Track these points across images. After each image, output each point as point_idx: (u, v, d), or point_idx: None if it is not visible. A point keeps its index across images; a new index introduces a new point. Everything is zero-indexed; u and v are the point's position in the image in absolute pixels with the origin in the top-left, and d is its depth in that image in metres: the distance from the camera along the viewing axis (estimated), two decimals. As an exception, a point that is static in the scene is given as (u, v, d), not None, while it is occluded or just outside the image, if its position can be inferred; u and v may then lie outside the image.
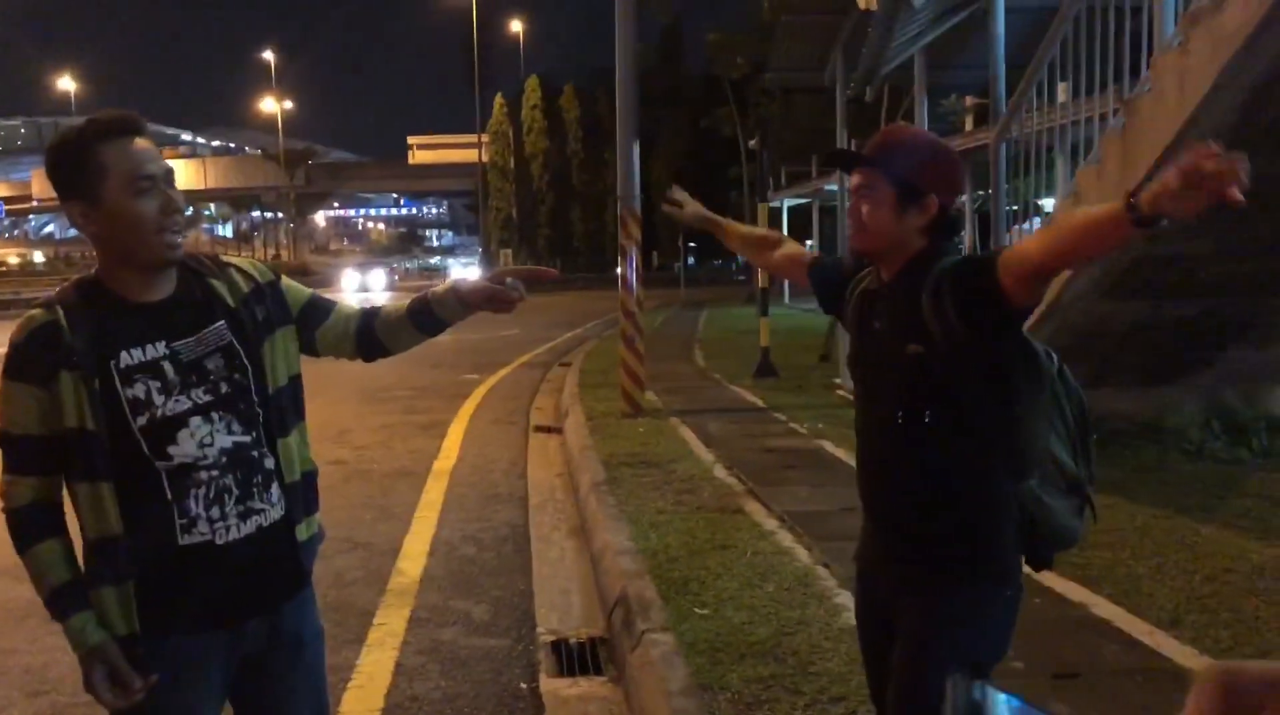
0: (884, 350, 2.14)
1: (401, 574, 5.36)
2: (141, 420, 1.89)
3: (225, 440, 1.96)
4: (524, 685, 3.97)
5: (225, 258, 2.14)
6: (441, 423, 10.26)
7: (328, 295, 2.26)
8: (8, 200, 69.10)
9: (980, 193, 23.79)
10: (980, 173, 20.91)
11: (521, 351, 17.85)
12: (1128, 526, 5.33)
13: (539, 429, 9.83)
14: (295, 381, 2.11)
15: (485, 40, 61.27)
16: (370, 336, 2.20)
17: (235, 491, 1.96)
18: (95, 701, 1.89)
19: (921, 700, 2.01)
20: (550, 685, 3.94)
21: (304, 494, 2.09)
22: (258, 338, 2.03)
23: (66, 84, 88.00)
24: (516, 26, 69.44)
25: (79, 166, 1.88)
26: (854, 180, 2.17)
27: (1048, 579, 4.61)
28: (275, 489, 2.02)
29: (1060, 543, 2.20)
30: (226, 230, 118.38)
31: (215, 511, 1.94)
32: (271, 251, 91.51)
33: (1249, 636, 3.88)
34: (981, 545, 2.07)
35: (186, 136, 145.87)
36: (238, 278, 2.07)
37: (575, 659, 4.19)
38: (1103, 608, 4.23)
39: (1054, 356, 2.18)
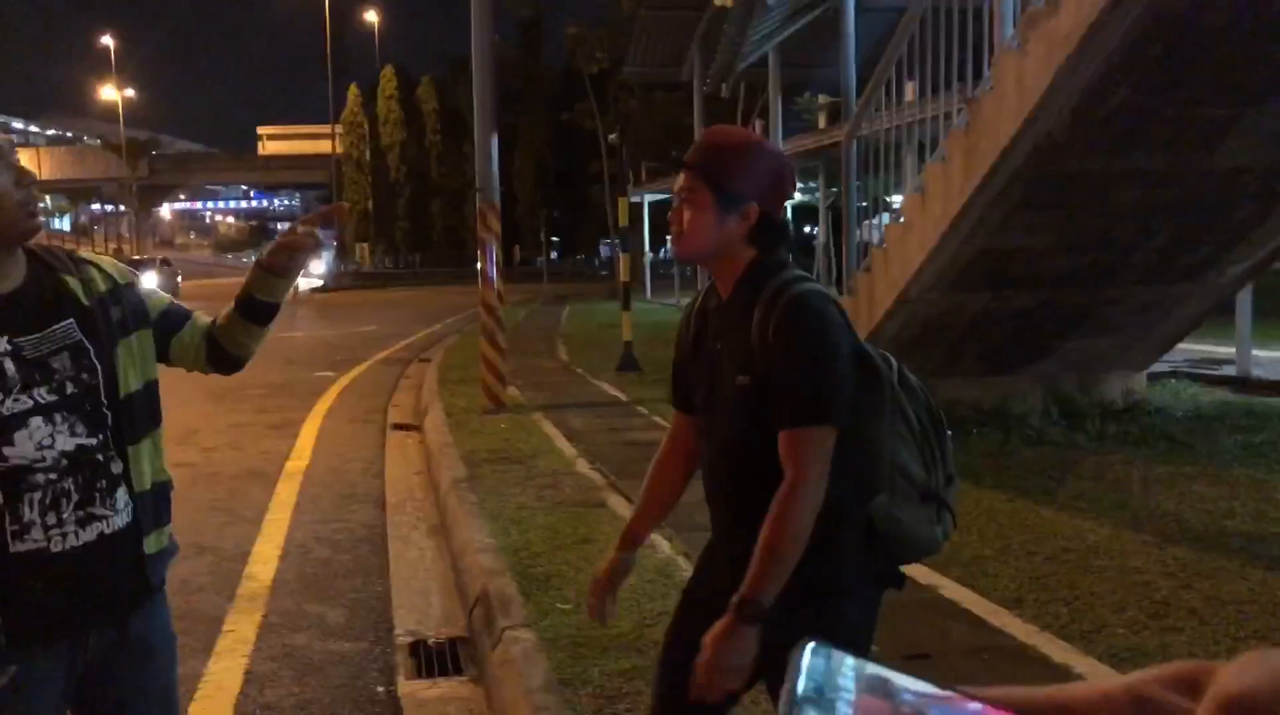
0: (720, 372, 2.04)
1: (252, 579, 5.17)
2: None
3: (67, 442, 1.87)
4: (381, 688, 3.87)
5: (84, 255, 2.05)
6: (294, 422, 9.95)
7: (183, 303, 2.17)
8: None
9: (834, 189, 24.48)
10: (834, 170, 21.52)
11: (379, 347, 17.48)
12: (974, 510, 5.53)
13: (397, 427, 9.63)
14: (150, 387, 2.03)
15: (339, 28, 59.79)
16: (215, 345, 2.14)
17: (75, 496, 1.87)
18: None
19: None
20: (408, 687, 3.85)
21: (154, 504, 2.00)
22: (111, 339, 1.95)
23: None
24: (372, 15, 67.94)
25: None
26: (677, 184, 2.08)
27: (900, 563, 4.76)
28: (122, 495, 1.93)
29: (918, 552, 2.08)
30: (64, 224, 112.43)
31: (51, 517, 1.84)
32: (113, 246, 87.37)
33: (1085, 612, 4.08)
34: (821, 566, 1.94)
35: (18, 124, 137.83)
36: (95, 276, 1.99)
37: (434, 660, 4.11)
38: (951, 589, 4.38)
39: (892, 362, 2.08)
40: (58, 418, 1.86)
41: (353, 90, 63.18)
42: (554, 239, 53.91)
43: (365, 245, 61.81)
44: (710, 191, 2.00)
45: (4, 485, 1.81)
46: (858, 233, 8.01)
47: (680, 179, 2.06)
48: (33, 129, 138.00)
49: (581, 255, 62.74)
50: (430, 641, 4.29)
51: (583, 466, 7.13)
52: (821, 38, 12.60)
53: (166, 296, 2.14)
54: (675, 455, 2.27)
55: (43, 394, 1.85)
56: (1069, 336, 7.61)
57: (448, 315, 25.20)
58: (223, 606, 4.77)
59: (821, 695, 0.38)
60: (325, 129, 61.50)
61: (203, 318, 2.16)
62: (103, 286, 1.99)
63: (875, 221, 8.82)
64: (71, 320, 1.92)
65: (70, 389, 1.88)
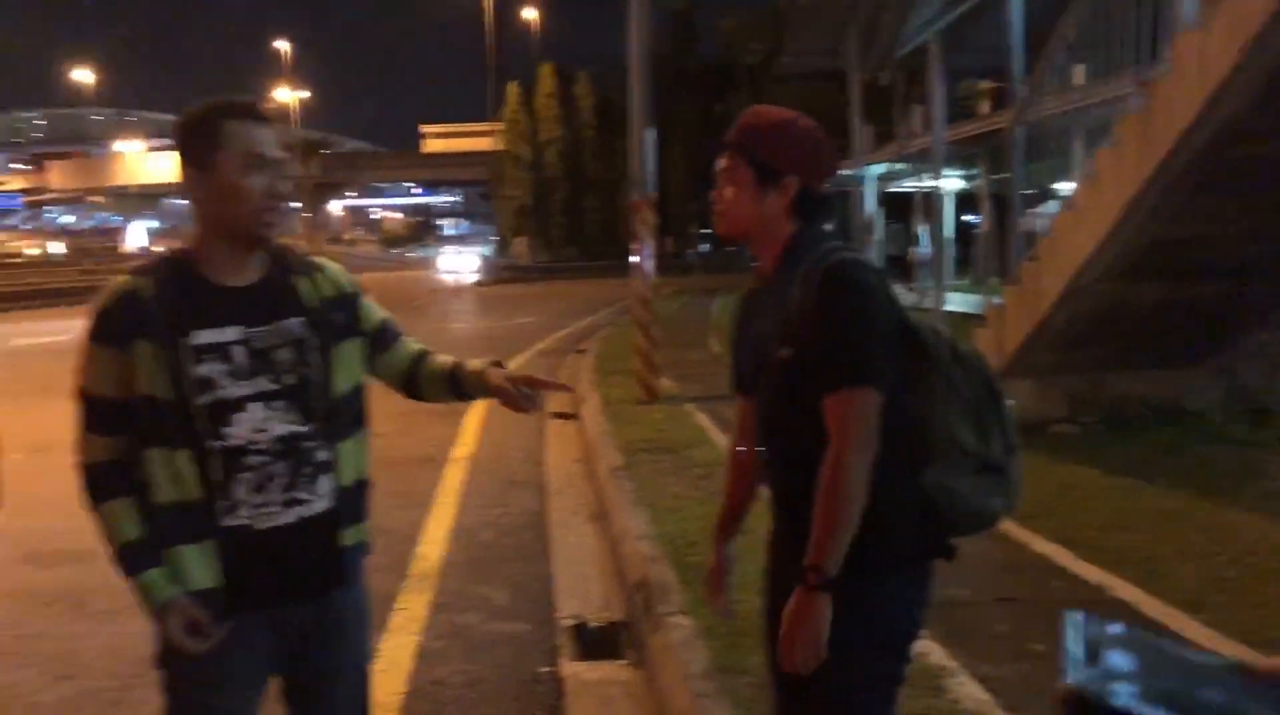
0: (765, 350, 2.06)
1: (422, 559, 5.40)
2: (204, 398, 1.94)
3: (281, 428, 2.00)
4: (545, 669, 4.00)
5: (320, 260, 2.20)
6: (459, 410, 10.26)
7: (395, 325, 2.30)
8: (26, 192, 69.43)
9: (994, 176, 23.69)
10: (996, 157, 20.83)
11: (537, 339, 17.86)
12: (1147, 508, 5.32)
13: (556, 415, 9.84)
14: (358, 391, 2.16)
15: (499, 28, 61.19)
16: (414, 382, 2.29)
17: (282, 480, 2.00)
18: (155, 664, 2.02)
19: (833, 684, 1.98)
20: (571, 669, 3.96)
21: (354, 500, 2.12)
22: (328, 341, 2.08)
23: (84, 76, 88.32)
24: (530, 14, 69.33)
25: (200, 134, 1.97)
26: (719, 165, 2.13)
27: (1064, 559, 4.62)
28: (324, 483, 2.05)
29: (978, 524, 2.07)
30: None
31: (259, 497, 1.98)
32: (287, 241, 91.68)
33: (1275, 620, 3.87)
34: (872, 537, 1.92)
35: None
36: (323, 282, 2.13)
37: (595, 643, 4.22)
38: (1123, 590, 4.23)
39: (943, 333, 2.03)
40: (275, 406, 2.00)
41: (512, 88, 64.54)
42: (705, 232, 53.84)
43: (522, 239, 63.12)
44: (750, 168, 2.05)
45: (221, 464, 1.95)
46: (1023, 221, 7.77)
47: (721, 159, 2.11)
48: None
49: (733, 248, 62.58)
50: (592, 625, 4.40)
51: (738, 457, 7.14)
52: (985, 21, 12.24)
53: (383, 313, 2.25)
54: (745, 442, 2.29)
55: (264, 383, 1.99)
56: (1253, 328, 7.21)
57: (602, 307, 25.54)
58: (395, 585, 4.99)
59: (1098, 658, 0.40)
60: (486, 127, 63.12)
61: (412, 344, 2.30)
62: (329, 291, 2.12)
63: (1042, 209, 8.54)
64: (299, 318, 2.05)
65: (289, 381, 2.01)
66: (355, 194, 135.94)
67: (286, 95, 76.23)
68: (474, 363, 2.27)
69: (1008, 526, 5.19)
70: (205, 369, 1.94)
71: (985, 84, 17.31)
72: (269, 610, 2.03)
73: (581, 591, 4.88)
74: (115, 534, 1.94)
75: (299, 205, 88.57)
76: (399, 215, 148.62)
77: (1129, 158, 5.87)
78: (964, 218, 35.65)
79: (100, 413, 1.96)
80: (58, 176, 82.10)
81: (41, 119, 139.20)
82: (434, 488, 6.98)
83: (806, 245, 2.02)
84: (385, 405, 9.13)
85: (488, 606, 4.71)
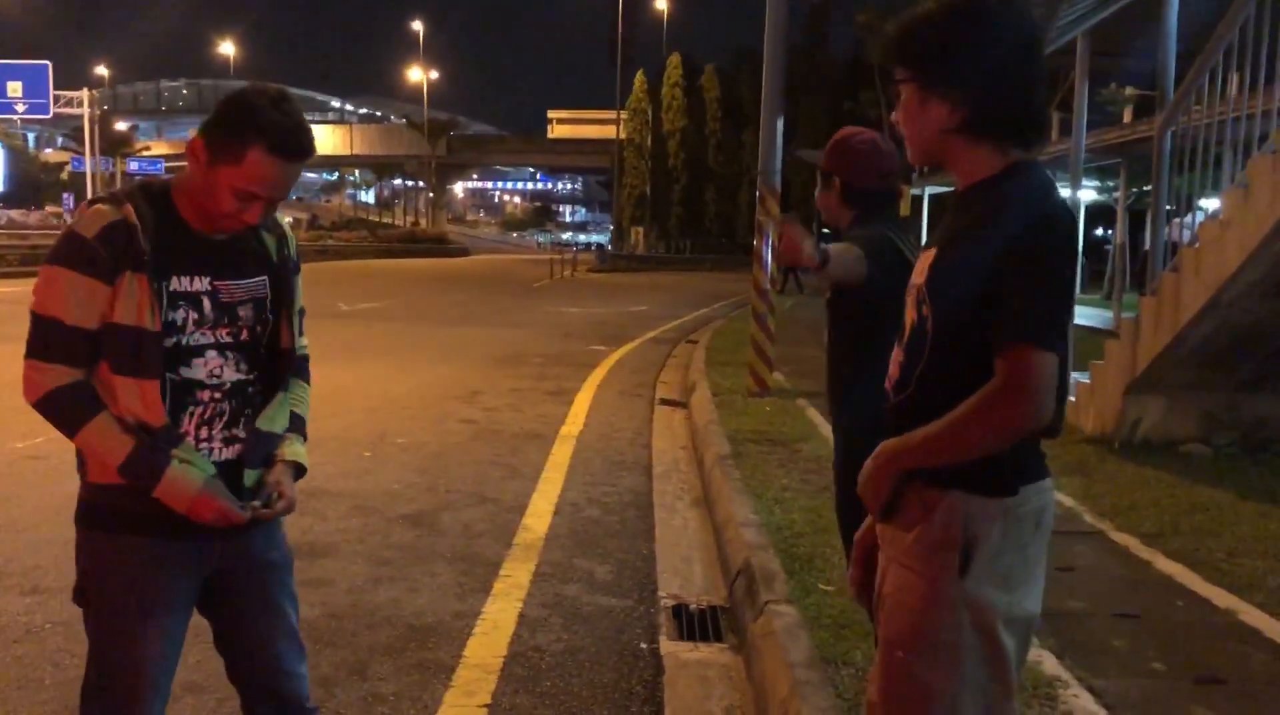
0: None
1: (528, 530, 5.45)
2: (168, 342, 2.01)
3: (232, 375, 2.11)
4: (644, 645, 3.99)
5: (285, 222, 2.28)
6: (569, 390, 10.37)
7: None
8: (168, 158, 72.49)
9: (1134, 190, 22.82)
10: (1136, 169, 20.06)
11: (649, 327, 17.91)
12: (1282, 537, 5.05)
13: (664, 402, 9.84)
14: (294, 350, 2.23)
15: (629, 17, 61.44)
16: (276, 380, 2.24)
17: (226, 417, 2.10)
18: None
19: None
20: (670, 647, 3.95)
21: (268, 446, 2.17)
22: (281, 299, 2.18)
23: (227, 48, 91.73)
24: (661, 3, 69.42)
25: (229, 137, 1.97)
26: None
27: (1190, 580, 4.42)
28: (254, 427, 2.14)
29: None
30: (369, 197, 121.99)
31: (204, 431, 2.07)
32: (410, 219, 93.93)
33: None
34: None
35: (335, 103, 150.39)
36: (287, 243, 2.23)
37: (695, 624, 4.19)
38: (1252, 616, 4.02)
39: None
40: (229, 355, 2.10)
41: (639, 77, 64.82)
42: (824, 231, 53.26)
43: (640, 229, 63.37)
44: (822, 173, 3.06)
45: (172, 396, 2.03)
46: (1165, 231, 7.45)
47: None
48: (347, 108, 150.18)
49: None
50: (692, 606, 4.38)
51: (848, 454, 7.04)
52: (1136, 23, 11.75)
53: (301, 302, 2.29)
54: None
55: (223, 335, 2.08)
56: (1406, 357, 6.78)
57: (715, 301, 25.49)
58: (500, 553, 5.05)
59: None
60: (610, 114, 63.45)
61: (302, 344, 2.29)
62: (290, 253, 2.22)
63: (1185, 221, 8.19)
64: (265, 277, 2.15)
65: (245, 336, 2.11)
66: (478, 177, 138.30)
67: (417, 75, 77.92)
68: (296, 450, 2.22)
69: (1129, 542, 5.00)
70: (176, 315, 2.01)
71: (1130, 90, 16.67)
72: (200, 541, 2.09)
73: (684, 573, 4.87)
74: (118, 443, 1.97)
75: (423, 184, 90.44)
76: (519, 200, 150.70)
77: (1287, 167, 5.56)
78: (1095, 232, 34.43)
79: (70, 342, 1.96)
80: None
81: (185, 89, 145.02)
82: (542, 463, 7.05)
83: (852, 227, 2.46)
84: (497, 382, 9.41)
85: (590, 580, 4.72)
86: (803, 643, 3.55)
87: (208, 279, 2.06)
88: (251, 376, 2.14)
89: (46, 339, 1.97)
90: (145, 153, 74.03)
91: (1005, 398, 1.72)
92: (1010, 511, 1.82)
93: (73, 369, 1.97)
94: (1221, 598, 4.22)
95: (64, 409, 1.98)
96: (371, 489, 6.16)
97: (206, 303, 2.05)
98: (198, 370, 2.05)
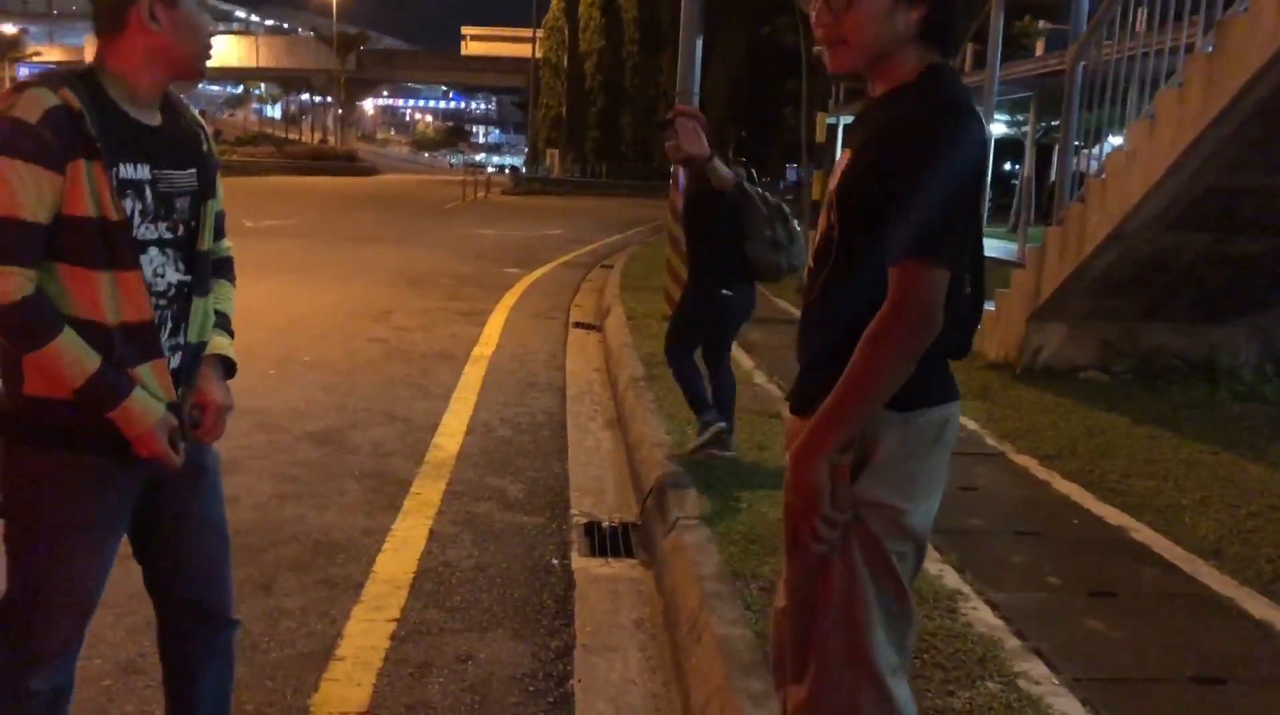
0: None
1: (439, 448, 5.40)
2: None
3: (174, 276, 2.00)
4: (555, 561, 4.00)
5: (200, 117, 2.17)
6: (482, 311, 10.26)
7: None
8: (60, 64, 69.15)
9: (1042, 124, 23.21)
10: (1046, 102, 20.36)
11: (563, 251, 17.77)
12: (1172, 459, 5.25)
13: (578, 325, 9.81)
14: (209, 253, 2.12)
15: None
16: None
17: (169, 325, 2.00)
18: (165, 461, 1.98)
19: None
20: (581, 563, 3.97)
21: (196, 356, 2.09)
22: (207, 195, 2.07)
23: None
24: (580, -80, 67.70)
25: None
26: None
27: (1085, 500, 4.58)
28: (186, 336, 2.05)
29: (770, 274, 5.00)
30: (274, 111, 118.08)
31: None
32: (319, 136, 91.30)
33: (1291, 572, 3.83)
34: None
35: (240, 13, 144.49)
36: (209, 138, 2.14)
37: (607, 541, 4.22)
38: (1142, 533, 4.18)
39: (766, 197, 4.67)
40: (169, 252, 1.99)
41: (557, -5, 63.44)
42: (742, 159, 53.19)
43: (555, 152, 62.56)
44: None
45: None
46: (1073, 163, 7.58)
47: None
48: (253, 18, 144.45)
49: (767, 177, 61.83)
50: (604, 524, 4.39)
51: (760, 378, 7.11)
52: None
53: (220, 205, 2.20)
54: None
55: (163, 229, 1.97)
56: (1295, 290, 7.05)
57: (631, 226, 25.37)
58: (411, 471, 5.00)
59: None
60: (526, 33, 62.18)
61: (226, 246, 2.25)
62: (213, 147, 2.13)
63: (1093, 151, 8.34)
64: (195, 169, 2.04)
65: (180, 231, 2.01)
66: (389, 94, 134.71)
67: (327, -14, 75.13)
68: (221, 343, 2.17)
69: (1029, 464, 5.15)
70: (124, 204, 1.89)
71: (1043, 24, 16.85)
72: (139, 459, 1.99)
73: (595, 491, 4.88)
74: (81, 364, 1.85)
75: (332, 100, 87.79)
76: (431, 119, 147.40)
77: (1192, 99, 5.68)
78: (1003, 166, 35.02)
79: (27, 240, 1.79)
80: (93, 51, 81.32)
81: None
82: (453, 383, 6.98)
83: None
84: (408, 302, 9.25)
85: (501, 498, 4.71)
86: (712, 557, 3.59)
87: (147, 167, 1.93)
88: (189, 278, 2.03)
89: (2, 239, 1.78)
90: (36, 58, 70.39)
91: (895, 319, 1.71)
92: (910, 422, 1.83)
93: (29, 272, 1.80)
94: (1114, 516, 4.39)
95: (28, 323, 1.81)
96: (278, 406, 6.02)
97: (148, 192, 1.93)
98: (144, 271, 1.92)
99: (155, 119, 1.99)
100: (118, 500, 2.03)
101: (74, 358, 1.85)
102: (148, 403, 1.92)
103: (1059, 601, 3.49)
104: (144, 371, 1.93)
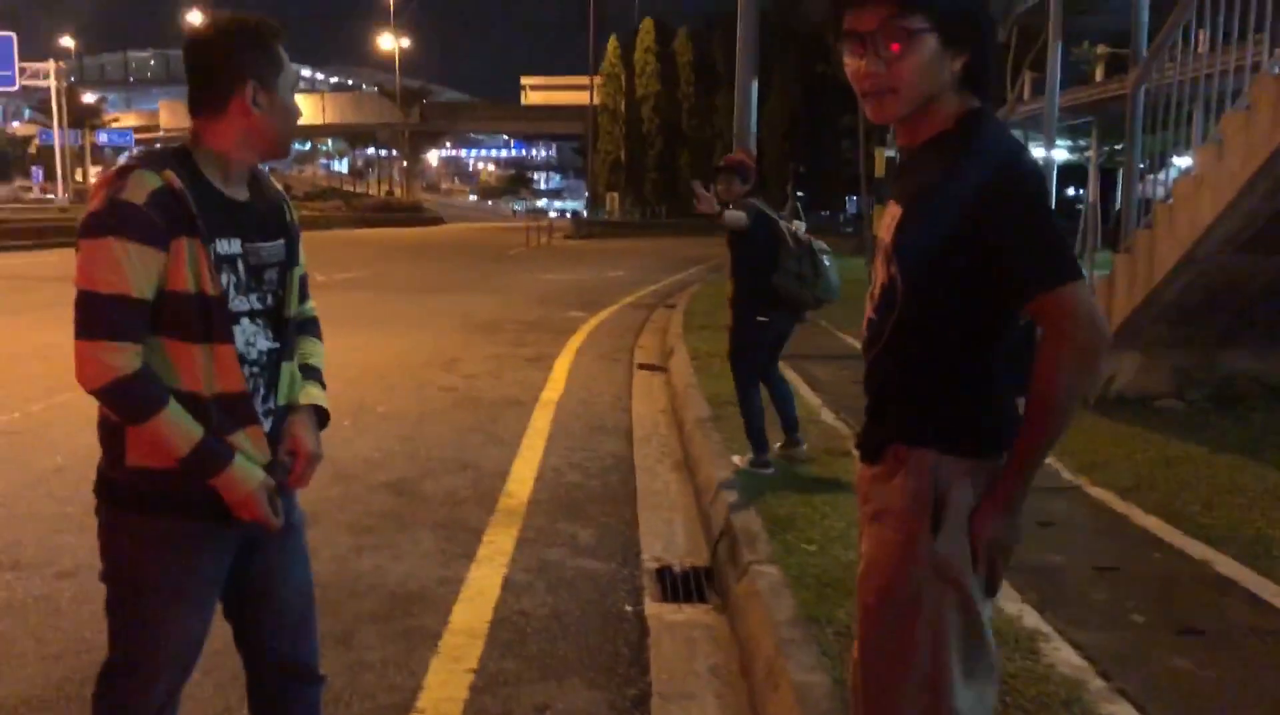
0: None
1: (510, 496, 5.45)
2: None
3: (264, 344, 2.08)
4: (629, 608, 4.01)
5: (282, 188, 2.27)
6: (548, 356, 10.35)
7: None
8: (137, 129, 71.55)
9: (1105, 148, 22.89)
10: (1109, 126, 20.10)
11: (626, 293, 17.87)
12: (1256, 488, 5.11)
13: (643, 367, 9.84)
14: (294, 319, 2.19)
15: (601, -19, 60.77)
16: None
17: (263, 391, 2.08)
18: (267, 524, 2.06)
19: None
20: (655, 609, 3.97)
21: (284, 418, 2.16)
22: (291, 264, 2.16)
23: (194, 17, 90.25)
24: (633, -33, 68.69)
25: (269, 53, 2.02)
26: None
27: (1166, 533, 4.47)
28: (276, 400, 2.13)
29: (798, 305, 5.74)
30: (342, 166, 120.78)
31: None
32: (385, 188, 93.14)
33: (1387, 605, 3.70)
34: None
35: (306, 72, 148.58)
36: (290, 204, 2.23)
37: (679, 586, 4.21)
38: (1228, 567, 4.07)
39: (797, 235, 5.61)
40: (259, 322, 2.07)
41: (612, 42, 64.28)
42: (799, 194, 53.18)
43: (615, 195, 63.09)
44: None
45: None
46: (1139, 189, 7.47)
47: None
48: (318, 76, 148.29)
49: (826, 211, 61.66)
50: (675, 568, 4.39)
51: (827, 416, 7.07)
52: (1108, -19, 11.74)
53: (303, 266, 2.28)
54: None
55: (254, 300, 2.06)
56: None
57: (692, 265, 25.44)
58: (483, 519, 5.05)
59: None
60: (584, 80, 62.94)
61: (309, 312, 2.32)
62: (294, 215, 2.21)
63: (1159, 177, 8.22)
64: (283, 240, 2.13)
65: (270, 301, 2.09)
66: (452, 144, 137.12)
67: (389, 43, 76.99)
68: (314, 393, 2.25)
69: (1106, 497, 5.05)
70: (221, 278, 1.98)
71: (1101, 49, 16.66)
72: (235, 521, 2.05)
73: (666, 536, 4.88)
74: (186, 435, 1.92)
75: (397, 153, 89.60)
76: (493, 168, 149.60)
77: (1261, 121, 5.58)
78: (1066, 191, 34.53)
79: (135, 317, 1.88)
80: (167, 115, 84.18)
81: (153, 59, 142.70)
82: (522, 429, 7.04)
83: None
84: (476, 349, 9.36)
85: (573, 544, 4.73)
86: (786, 602, 3.57)
87: (239, 242, 2.02)
88: (278, 345, 2.11)
89: (111, 316, 1.86)
90: (114, 124, 72.96)
91: (1071, 341, 1.70)
92: (980, 469, 1.83)
93: (138, 347, 1.89)
94: (1198, 549, 4.28)
95: (137, 396, 1.89)
96: (352, 457, 6.13)
97: (240, 266, 2.02)
98: (238, 341, 2.01)
99: (244, 194, 2.08)
100: (217, 562, 2.10)
101: (180, 428, 1.92)
102: (248, 469, 2.00)
103: (1144, 640, 3.41)
104: (240, 438, 2.01)
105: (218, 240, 1.97)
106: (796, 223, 5.87)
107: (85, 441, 2.10)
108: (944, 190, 1.79)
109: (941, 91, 1.82)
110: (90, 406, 2.03)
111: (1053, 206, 1.84)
